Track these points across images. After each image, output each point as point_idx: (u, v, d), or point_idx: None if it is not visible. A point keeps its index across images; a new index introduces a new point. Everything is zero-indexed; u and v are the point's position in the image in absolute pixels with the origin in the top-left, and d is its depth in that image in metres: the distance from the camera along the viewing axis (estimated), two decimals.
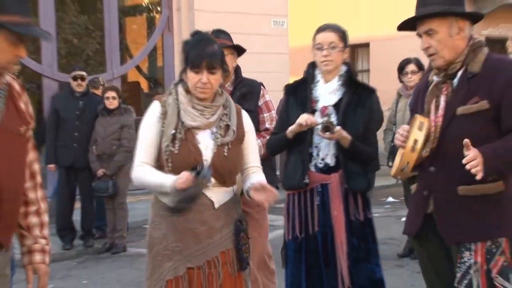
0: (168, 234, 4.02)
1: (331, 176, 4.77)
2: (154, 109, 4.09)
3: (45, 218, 3.76)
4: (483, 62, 3.87)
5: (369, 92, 4.97)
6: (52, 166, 10.08)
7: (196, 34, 4.24)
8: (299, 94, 4.95)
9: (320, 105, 4.83)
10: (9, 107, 3.46)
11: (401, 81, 8.99)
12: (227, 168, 4.02)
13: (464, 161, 3.61)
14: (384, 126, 8.68)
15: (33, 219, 3.70)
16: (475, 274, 3.81)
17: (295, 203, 4.88)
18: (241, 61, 5.82)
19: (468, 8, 15.93)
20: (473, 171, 3.60)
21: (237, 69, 5.69)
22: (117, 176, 9.44)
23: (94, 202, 10.41)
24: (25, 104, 3.59)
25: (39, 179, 3.77)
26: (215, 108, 4.05)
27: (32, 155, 3.71)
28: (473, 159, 3.61)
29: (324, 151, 4.77)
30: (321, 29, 4.85)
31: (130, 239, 9.99)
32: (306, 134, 4.74)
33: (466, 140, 3.62)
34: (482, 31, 18.81)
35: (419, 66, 8.64)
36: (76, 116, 9.81)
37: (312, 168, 4.79)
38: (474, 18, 4.05)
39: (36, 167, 3.75)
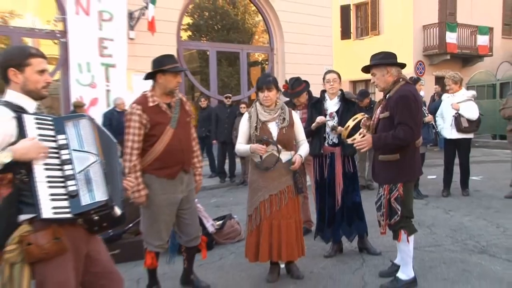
0: (258, 177, 4.10)
1: (336, 148, 4.83)
2: (245, 115, 4.23)
3: (200, 158, 4.06)
4: (396, 90, 3.86)
5: (353, 104, 4.98)
6: (214, 141, 10.33)
7: (264, 74, 4.53)
8: (317, 107, 4.96)
9: (328, 112, 4.86)
10: (181, 109, 3.77)
11: None
12: (285, 140, 4.08)
13: (352, 141, 3.95)
14: None
15: (196, 160, 3.97)
16: (383, 199, 3.94)
17: (316, 163, 4.94)
18: (312, 86, 5.77)
19: (427, 61, 15.65)
20: (358, 147, 3.88)
21: (309, 92, 5.64)
22: None
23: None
24: (188, 107, 3.87)
25: (196, 140, 4.02)
26: (276, 110, 4.14)
27: (193, 131, 3.97)
28: (361, 141, 3.84)
29: (332, 135, 4.82)
30: (328, 72, 4.91)
31: None
32: (321, 128, 4.83)
33: (363, 131, 3.94)
34: (433, 72, 18.38)
35: None
36: (226, 116, 10.04)
37: (326, 144, 4.84)
38: (399, 65, 3.96)
39: (195, 134, 3.99)
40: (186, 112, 3.84)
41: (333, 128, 4.76)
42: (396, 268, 4.22)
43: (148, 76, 3.73)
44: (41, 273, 2.19)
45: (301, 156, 4.10)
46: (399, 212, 3.86)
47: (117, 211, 2.32)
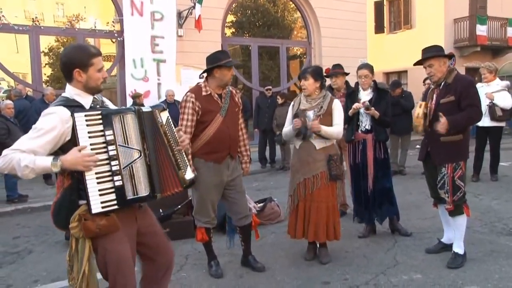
0: (297, 162, 4.12)
1: (368, 135, 4.68)
2: (291, 105, 4.27)
3: (248, 147, 4.03)
4: (453, 78, 3.88)
5: (386, 93, 4.85)
6: (256, 130, 10.24)
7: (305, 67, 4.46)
8: (352, 97, 4.85)
9: (361, 101, 4.71)
10: (231, 100, 3.81)
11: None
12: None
13: (439, 125, 3.74)
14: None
15: (243, 148, 3.98)
16: (446, 178, 3.89)
17: (351, 149, 4.82)
18: (348, 78, 5.73)
19: (457, 53, 15.16)
20: (440, 130, 3.72)
21: (347, 82, 5.62)
22: None
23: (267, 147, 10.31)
24: (238, 98, 3.89)
25: (244, 130, 4.02)
26: (315, 99, 4.12)
27: (241, 120, 3.97)
28: (443, 123, 3.70)
29: (364, 123, 4.68)
30: (360, 68, 4.75)
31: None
32: (355, 116, 4.70)
33: (441, 114, 3.74)
34: (463, 64, 17.85)
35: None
36: (266, 106, 9.84)
37: (359, 131, 4.70)
38: (449, 57, 4.00)
39: (243, 125, 4.01)
40: (235, 103, 3.86)
41: (367, 108, 4.60)
42: (442, 245, 4.28)
43: (205, 71, 3.79)
44: (103, 246, 2.30)
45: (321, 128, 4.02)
46: (463, 189, 3.90)
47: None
